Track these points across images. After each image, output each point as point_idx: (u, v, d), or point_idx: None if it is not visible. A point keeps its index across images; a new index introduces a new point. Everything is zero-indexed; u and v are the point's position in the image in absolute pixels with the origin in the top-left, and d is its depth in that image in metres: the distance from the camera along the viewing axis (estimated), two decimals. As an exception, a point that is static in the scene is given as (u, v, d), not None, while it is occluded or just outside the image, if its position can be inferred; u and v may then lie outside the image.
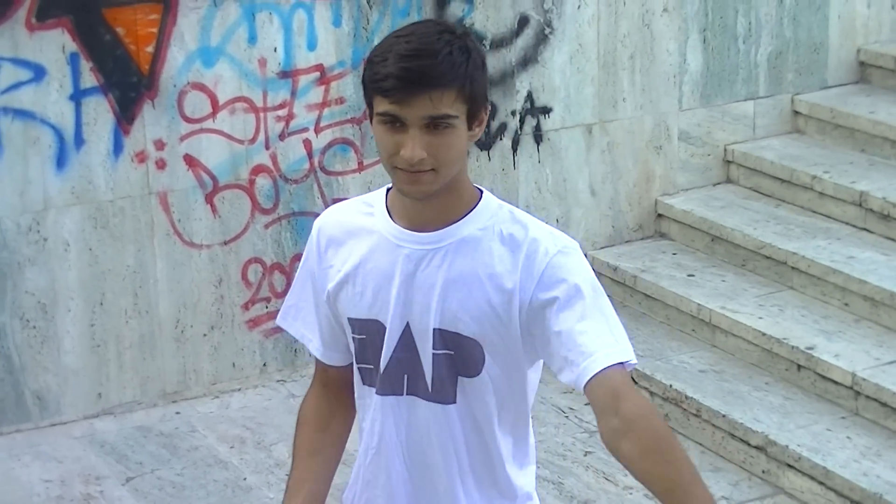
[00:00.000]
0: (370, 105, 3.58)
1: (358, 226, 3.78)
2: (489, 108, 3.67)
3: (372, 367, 3.77)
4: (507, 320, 3.55)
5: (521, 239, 3.62)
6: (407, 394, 3.75)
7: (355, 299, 3.73)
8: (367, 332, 3.74)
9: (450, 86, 3.45)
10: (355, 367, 3.85)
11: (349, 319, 3.76)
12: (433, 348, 3.68)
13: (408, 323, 3.70)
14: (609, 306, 3.54)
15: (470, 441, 3.74)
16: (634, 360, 3.48)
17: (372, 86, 3.49)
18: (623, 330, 3.50)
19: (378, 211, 3.76)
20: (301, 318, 3.95)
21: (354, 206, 3.85)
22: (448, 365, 3.67)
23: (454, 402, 3.67)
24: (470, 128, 3.55)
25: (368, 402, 3.83)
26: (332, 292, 3.78)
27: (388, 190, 3.76)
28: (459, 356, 3.65)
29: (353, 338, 3.78)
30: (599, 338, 3.45)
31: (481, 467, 3.78)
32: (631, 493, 6.95)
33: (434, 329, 3.65)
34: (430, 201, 3.59)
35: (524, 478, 3.86)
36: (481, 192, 3.72)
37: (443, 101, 3.45)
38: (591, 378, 3.39)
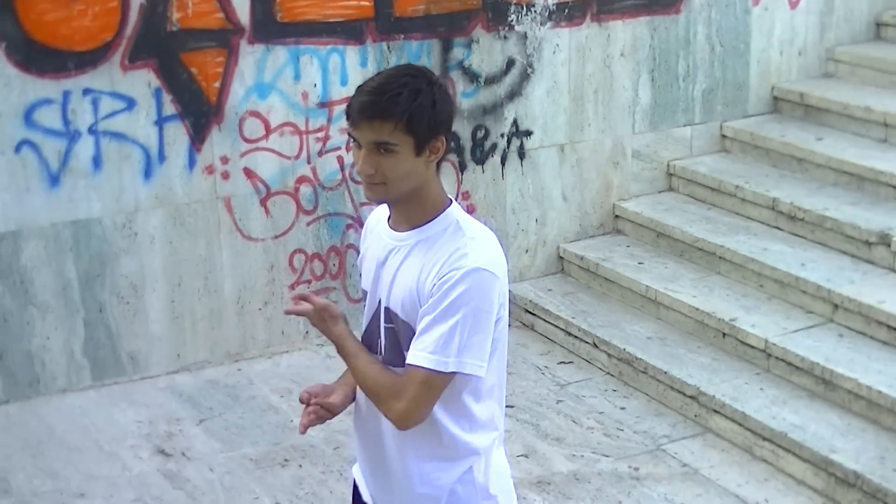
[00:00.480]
0: None
1: (375, 223, 3.89)
2: (445, 140, 3.70)
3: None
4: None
5: (455, 249, 3.67)
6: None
7: (364, 274, 3.88)
8: (366, 301, 3.87)
9: (388, 119, 3.55)
10: None
11: (362, 289, 3.92)
12: (384, 322, 3.79)
13: (379, 299, 3.81)
14: (470, 332, 3.58)
15: None
16: (448, 370, 3.55)
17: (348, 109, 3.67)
18: (469, 353, 3.57)
19: (386, 215, 3.85)
20: None
21: (382, 210, 3.88)
22: (391, 338, 3.78)
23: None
24: (419, 154, 3.63)
25: None
26: (359, 267, 3.96)
27: None
28: (399, 332, 3.74)
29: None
30: (433, 342, 3.55)
31: (425, 426, 3.76)
32: (593, 432, 6.96)
33: (384, 307, 3.78)
34: (397, 207, 3.76)
35: (473, 437, 3.83)
36: (451, 202, 3.81)
37: (383, 129, 3.56)
38: (406, 363, 3.62)
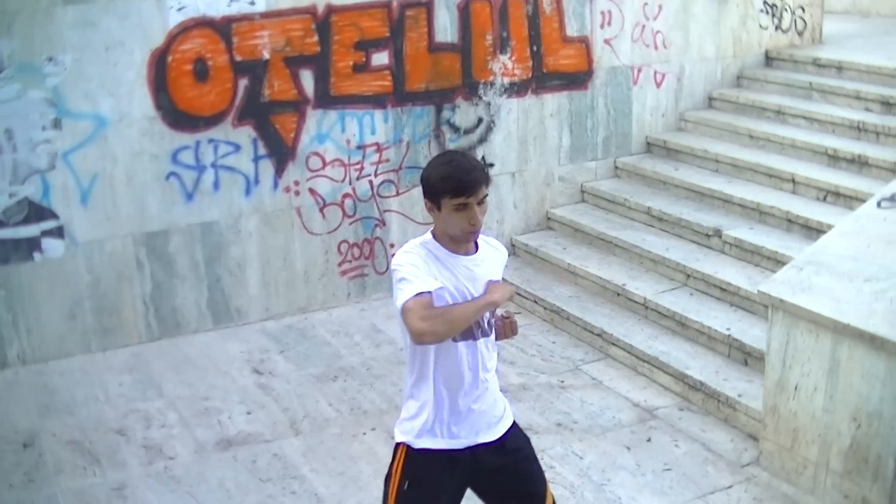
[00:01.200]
0: (437, 200, 3.69)
1: (427, 253, 3.78)
2: None
3: None
4: None
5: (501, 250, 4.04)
6: None
7: (444, 282, 3.78)
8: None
9: (486, 184, 3.69)
10: None
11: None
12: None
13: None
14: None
15: None
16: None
17: (451, 189, 3.63)
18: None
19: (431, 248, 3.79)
20: None
21: (419, 245, 3.81)
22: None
23: None
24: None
25: None
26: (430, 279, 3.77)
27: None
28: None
29: None
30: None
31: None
32: (534, 358, 7.08)
33: None
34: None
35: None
36: None
37: (483, 191, 3.67)
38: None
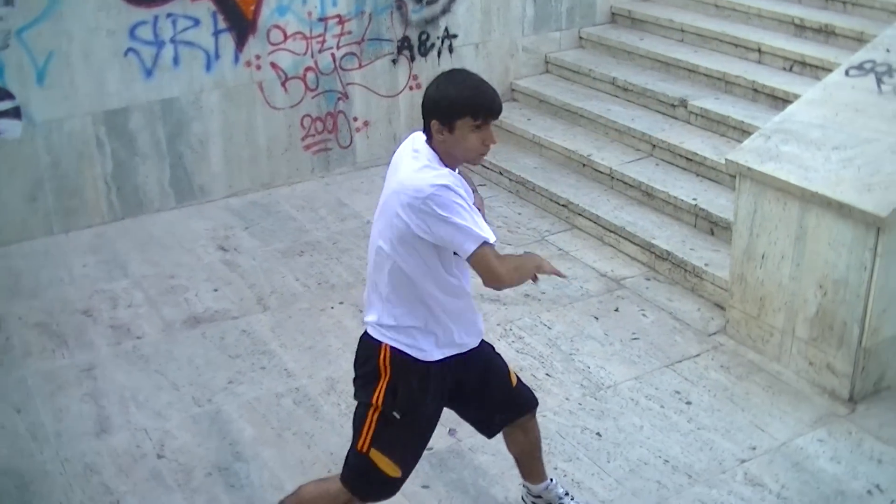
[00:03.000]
0: (452, 121, 3.44)
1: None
2: None
3: None
4: None
5: None
6: None
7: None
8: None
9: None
10: None
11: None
12: None
13: None
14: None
15: None
16: None
17: (481, 110, 3.43)
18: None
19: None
20: None
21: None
22: None
23: None
24: None
25: None
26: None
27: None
28: None
29: None
30: None
31: None
32: (500, 229, 6.97)
33: None
34: None
35: None
36: None
37: None
38: None
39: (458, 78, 3.57)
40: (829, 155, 5.10)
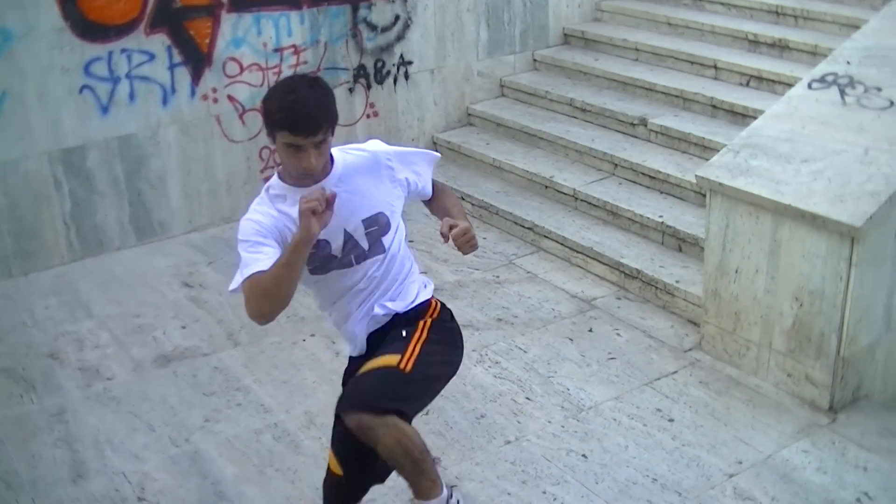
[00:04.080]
0: (272, 132, 3.38)
1: (268, 211, 3.57)
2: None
3: None
4: None
5: None
6: None
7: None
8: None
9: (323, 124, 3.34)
10: None
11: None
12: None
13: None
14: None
15: None
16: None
17: (286, 124, 3.31)
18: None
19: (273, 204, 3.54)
20: None
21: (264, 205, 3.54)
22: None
23: None
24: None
25: None
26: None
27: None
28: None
29: None
30: None
31: None
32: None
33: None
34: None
35: None
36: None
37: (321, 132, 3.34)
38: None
39: (288, 85, 3.41)
40: (799, 168, 5.13)
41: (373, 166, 3.65)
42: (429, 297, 3.84)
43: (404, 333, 3.66)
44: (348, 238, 3.58)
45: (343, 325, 3.79)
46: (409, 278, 3.81)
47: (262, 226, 3.45)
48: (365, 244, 3.62)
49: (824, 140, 5.24)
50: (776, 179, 5.13)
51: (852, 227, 4.76)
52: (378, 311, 3.72)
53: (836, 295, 4.93)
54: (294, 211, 3.36)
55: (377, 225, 3.63)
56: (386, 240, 3.66)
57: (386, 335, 3.72)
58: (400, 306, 3.74)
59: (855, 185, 4.91)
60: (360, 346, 3.78)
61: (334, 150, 3.59)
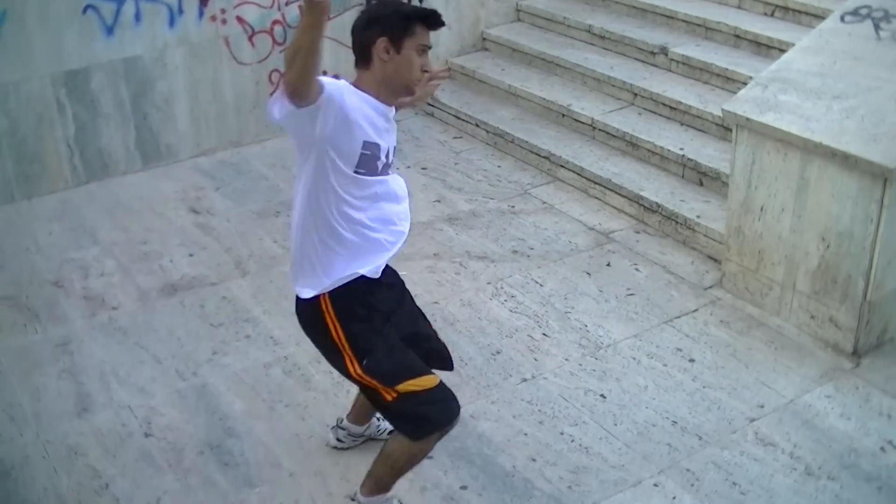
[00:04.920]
0: (401, 39, 3.38)
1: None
2: None
3: None
4: None
5: None
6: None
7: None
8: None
9: None
10: None
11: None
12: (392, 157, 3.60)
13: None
14: None
15: None
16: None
17: (427, 22, 3.44)
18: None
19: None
20: None
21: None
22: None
23: None
24: None
25: None
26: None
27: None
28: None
29: None
30: None
31: None
32: (481, 183, 6.85)
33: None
34: None
35: None
36: None
37: None
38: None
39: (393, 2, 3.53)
40: (831, 104, 4.94)
41: None
42: None
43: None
44: (388, 160, 3.56)
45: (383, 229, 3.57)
46: None
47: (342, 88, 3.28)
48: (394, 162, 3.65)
49: (857, 76, 5.04)
50: (806, 116, 4.95)
51: (885, 168, 4.58)
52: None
53: (865, 237, 4.77)
54: (379, 122, 3.44)
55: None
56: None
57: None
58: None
59: (889, 123, 4.73)
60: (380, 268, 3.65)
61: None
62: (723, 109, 5.31)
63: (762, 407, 4.69)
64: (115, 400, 4.85)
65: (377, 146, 3.43)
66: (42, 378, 5.01)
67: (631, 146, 6.71)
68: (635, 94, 7.06)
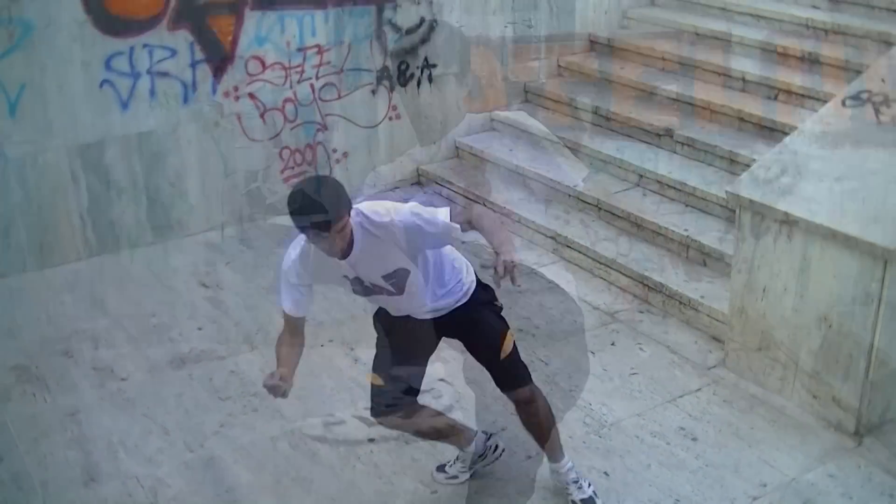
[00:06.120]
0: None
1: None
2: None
3: None
4: None
5: None
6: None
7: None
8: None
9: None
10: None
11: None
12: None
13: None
14: None
15: None
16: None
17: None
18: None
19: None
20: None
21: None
22: None
23: None
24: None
25: None
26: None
27: None
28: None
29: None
30: None
31: None
32: None
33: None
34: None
35: None
36: None
37: None
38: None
39: (301, 187, 4.00)
40: (832, 186, 5.07)
41: (387, 240, 3.95)
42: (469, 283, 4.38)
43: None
44: (372, 286, 4.10)
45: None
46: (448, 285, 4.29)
47: (290, 275, 4.16)
48: (391, 288, 4.10)
49: (858, 159, 5.17)
50: (808, 197, 5.07)
51: (886, 249, 4.69)
52: (426, 315, 4.29)
53: (867, 317, 4.86)
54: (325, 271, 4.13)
55: (396, 277, 4.05)
56: (410, 280, 4.07)
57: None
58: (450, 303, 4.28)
59: (890, 205, 4.85)
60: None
61: (359, 212, 3.96)
62: (726, 191, 5.44)
63: (765, 485, 4.74)
64: (122, 470, 4.91)
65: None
66: (50, 447, 5.08)
67: (636, 227, 6.81)
68: (641, 175, 7.18)
